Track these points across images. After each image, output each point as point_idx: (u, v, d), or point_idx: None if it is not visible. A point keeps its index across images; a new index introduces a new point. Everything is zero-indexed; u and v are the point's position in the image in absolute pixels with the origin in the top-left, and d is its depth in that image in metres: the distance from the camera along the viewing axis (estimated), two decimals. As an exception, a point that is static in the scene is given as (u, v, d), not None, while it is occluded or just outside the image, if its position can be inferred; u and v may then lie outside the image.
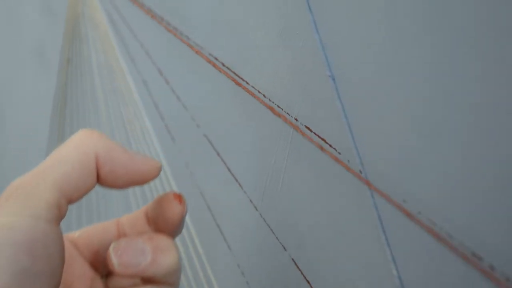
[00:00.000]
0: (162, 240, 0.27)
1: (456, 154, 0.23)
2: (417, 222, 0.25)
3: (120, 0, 0.49)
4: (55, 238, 0.24)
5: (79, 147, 0.26)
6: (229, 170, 0.38)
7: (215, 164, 0.39)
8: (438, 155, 0.24)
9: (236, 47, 0.35)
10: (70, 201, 0.25)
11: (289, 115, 0.32)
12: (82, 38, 0.57)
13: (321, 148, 0.30)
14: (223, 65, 0.36)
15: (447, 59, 0.23)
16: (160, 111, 0.45)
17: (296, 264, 0.33)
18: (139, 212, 0.30)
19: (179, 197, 0.28)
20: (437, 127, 0.24)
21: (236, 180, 0.37)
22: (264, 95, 0.33)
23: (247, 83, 0.34)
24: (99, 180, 0.27)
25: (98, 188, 0.28)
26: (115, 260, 0.26)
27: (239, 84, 0.35)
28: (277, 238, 0.34)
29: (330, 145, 0.29)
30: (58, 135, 0.63)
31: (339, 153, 0.29)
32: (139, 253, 0.26)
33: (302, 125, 0.31)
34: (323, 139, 0.30)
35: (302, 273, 0.33)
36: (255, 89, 0.34)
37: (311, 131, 0.30)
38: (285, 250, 0.34)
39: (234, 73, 0.35)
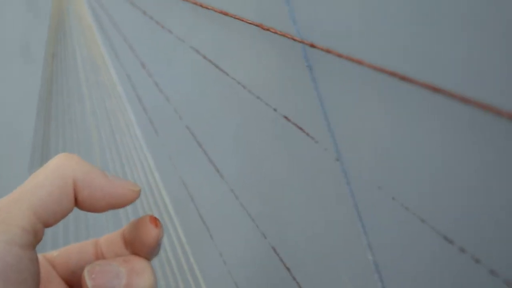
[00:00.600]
0: (138, 263, 0.27)
1: (431, 142, 0.24)
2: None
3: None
4: (29, 263, 0.24)
5: (57, 171, 0.26)
6: (210, 161, 0.38)
7: (198, 155, 0.39)
8: (412, 144, 0.25)
9: (216, 39, 0.36)
10: (47, 225, 0.25)
11: (268, 105, 0.32)
12: (66, 33, 0.57)
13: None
14: (204, 57, 0.37)
15: (431, 56, 0.23)
16: (143, 104, 0.46)
17: (276, 251, 0.34)
18: (116, 233, 0.30)
19: (155, 221, 0.28)
20: (412, 114, 0.24)
21: (218, 171, 0.38)
22: (243, 86, 0.34)
23: (227, 74, 0.35)
24: (77, 203, 0.26)
25: None
26: (89, 283, 0.26)
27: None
28: (257, 226, 0.35)
29: (308, 134, 0.30)
30: (44, 129, 0.63)
31: (317, 142, 0.29)
32: (113, 276, 0.26)
33: (281, 115, 0.31)
34: (301, 128, 0.30)
35: (281, 260, 0.33)
36: (235, 80, 0.34)
37: (289, 121, 0.31)
38: (265, 238, 0.35)
39: (215, 65, 0.36)
